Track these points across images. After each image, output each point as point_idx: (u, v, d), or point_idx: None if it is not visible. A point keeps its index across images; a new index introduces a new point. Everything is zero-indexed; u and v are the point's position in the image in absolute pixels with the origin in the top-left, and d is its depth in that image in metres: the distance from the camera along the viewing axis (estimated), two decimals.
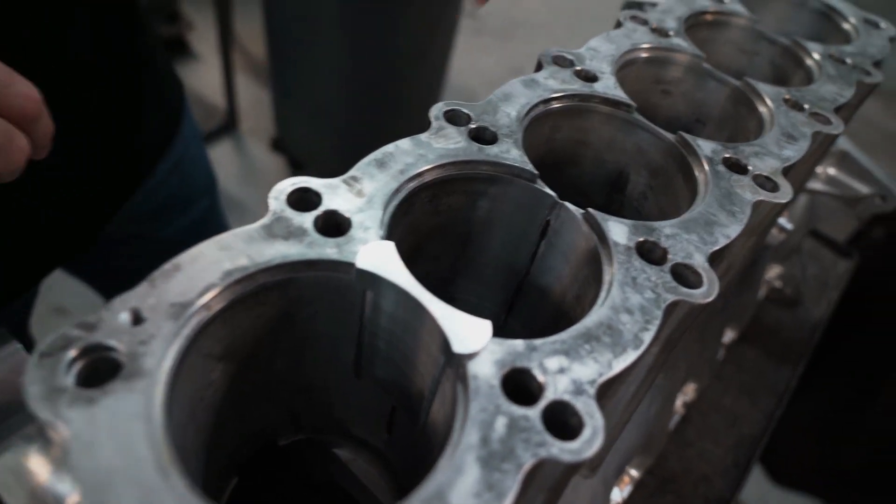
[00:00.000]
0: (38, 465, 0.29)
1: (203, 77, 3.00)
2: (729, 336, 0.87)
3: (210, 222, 0.95)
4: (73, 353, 0.28)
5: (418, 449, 0.44)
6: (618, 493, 0.69)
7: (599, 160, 0.55)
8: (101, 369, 0.28)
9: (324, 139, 2.37)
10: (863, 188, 0.80)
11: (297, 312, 0.37)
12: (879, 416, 1.55)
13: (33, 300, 0.78)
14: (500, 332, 0.33)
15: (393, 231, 0.41)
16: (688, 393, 0.79)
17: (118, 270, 0.85)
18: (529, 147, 0.48)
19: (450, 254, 0.49)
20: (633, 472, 0.71)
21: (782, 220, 0.75)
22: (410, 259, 0.47)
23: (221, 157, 2.68)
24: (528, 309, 0.51)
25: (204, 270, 0.33)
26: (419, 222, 0.44)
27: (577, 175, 0.56)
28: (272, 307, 0.36)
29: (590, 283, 0.41)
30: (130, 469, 0.26)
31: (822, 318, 0.96)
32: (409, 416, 0.41)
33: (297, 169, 2.59)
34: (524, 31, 3.85)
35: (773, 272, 0.95)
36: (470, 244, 0.49)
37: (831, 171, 0.82)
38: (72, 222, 0.71)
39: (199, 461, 0.38)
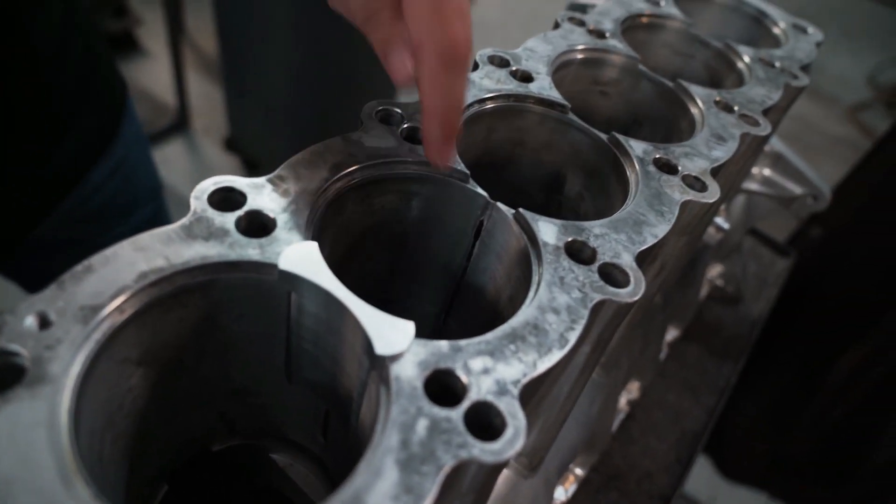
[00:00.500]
0: None
1: (152, 74, 2.92)
2: (672, 334, 0.88)
3: (155, 227, 0.91)
4: None
5: (352, 453, 0.44)
6: (562, 492, 0.70)
7: (537, 161, 0.55)
8: (2, 375, 0.27)
9: (279, 138, 2.33)
10: (796, 189, 0.83)
11: (221, 315, 0.36)
12: (820, 410, 1.60)
13: None
14: (438, 333, 0.33)
15: (324, 232, 0.41)
16: (632, 391, 0.80)
17: (55, 276, 0.82)
18: (466, 147, 0.48)
19: (386, 254, 0.49)
20: (578, 471, 0.72)
21: (719, 220, 0.77)
22: (346, 260, 0.47)
23: (172, 156, 2.61)
24: (466, 309, 0.51)
25: (117, 272, 0.31)
26: (352, 223, 0.44)
27: (516, 176, 0.57)
28: (193, 310, 0.35)
29: (521, 284, 0.41)
30: (31, 478, 0.25)
31: (762, 315, 0.99)
32: (340, 419, 0.41)
33: (251, 169, 2.55)
34: (480, 32, 3.85)
35: (715, 271, 0.97)
36: (406, 245, 0.48)
37: (766, 172, 0.84)
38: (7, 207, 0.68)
39: (119, 470, 0.37)
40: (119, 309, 0.31)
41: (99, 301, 0.30)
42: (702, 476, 1.98)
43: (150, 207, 0.90)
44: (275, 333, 0.38)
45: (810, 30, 0.72)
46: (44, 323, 0.29)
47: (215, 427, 0.46)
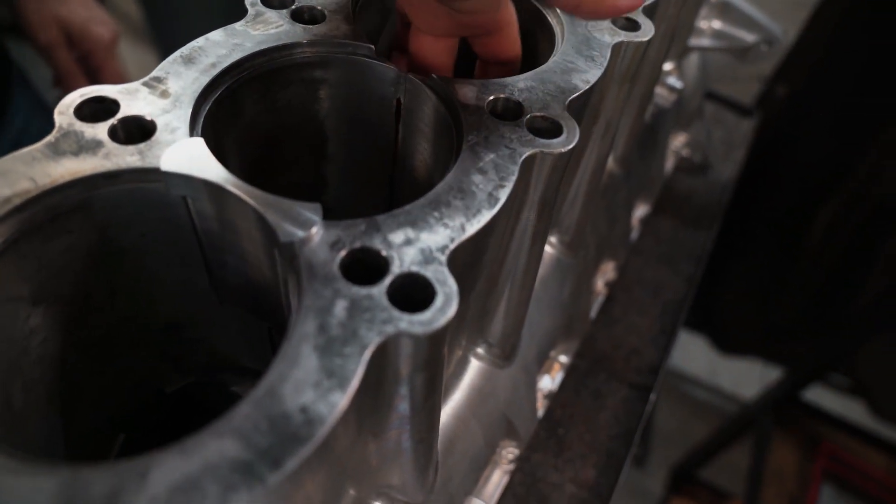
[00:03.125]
0: None
1: None
2: (642, 210, 0.86)
3: None
4: None
5: None
6: (549, 381, 0.69)
7: None
8: None
9: None
10: (748, 36, 0.79)
11: (117, 239, 0.33)
12: (805, 269, 1.61)
13: None
14: None
15: (224, 138, 0.37)
16: (607, 272, 0.78)
17: None
18: (373, 28, 0.44)
19: (308, 157, 0.45)
20: (563, 358, 0.70)
21: (672, 80, 0.73)
22: (263, 170, 0.43)
23: None
24: (408, 201, 0.48)
25: None
26: (257, 124, 0.40)
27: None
28: (81, 236, 0.31)
29: (450, 155, 0.38)
30: None
31: (732, 178, 0.97)
32: (279, 332, 0.38)
33: None
34: None
35: (679, 140, 0.94)
36: (326, 142, 0.45)
37: (716, 24, 0.80)
38: None
39: (46, 419, 0.34)
40: None
41: None
42: (700, 353, 2.02)
43: None
44: (187, 250, 0.35)
45: None
46: None
47: (160, 367, 0.44)
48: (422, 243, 0.29)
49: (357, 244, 0.28)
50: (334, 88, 0.41)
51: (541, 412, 0.64)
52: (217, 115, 0.35)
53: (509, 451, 0.59)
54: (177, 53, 0.36)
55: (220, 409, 0.48)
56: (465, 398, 0.49)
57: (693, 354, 2.08)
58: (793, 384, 1.52)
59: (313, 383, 0.24)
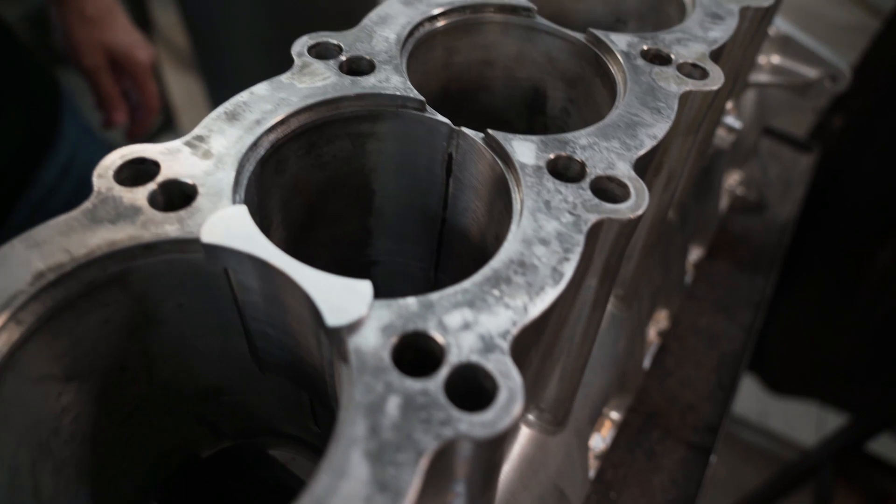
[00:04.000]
0: None
1: None
2: (696, 254, 0.82)
3: None
4: None
5: None
6: (599, 440, 0.64)
7: (511, 79, 0.48)
8: None
9: None
10: (811, 72, 0.75)
11: (156, 310, 0.31)
12: (863, 308, 1.53)
13: None
14: (432, 290, 0.27)
15: (267, 197, 0.35)
16: (660, 321, 0.74)
17: None
18: (426, 75, 0.42)
19: (354, 211, 0.43)
20: (614, 415, 0.66)
21: (730, 120, 0.69)
22: (309, 226, 0.41)
23: None
24: (455, 260, 0.45)
25: (8, 276, 0.26)
26: (302, 181, 0.38)
27: (491, 101, 0.50)
28: (118, 308, 0.29)
29: (505, 218, 0.35)
30: None
31: (791, 218, 0.92)
32: (321, 404, 0.35)
33: None
34: None
35: (734, 179, 0.90)
36: (374, 197, 0.42)
37: (775, 59, 0.76)
38: None
39: (77, 499, 0.32)
40: (15, 319, 0.25)
41: None
42: (749, 394, 1.93)
43: None
44: (228, 319, 0.33)
45: None
46: None
47: (197, 432, 0.42)
48: (481, 327, 0.26)
49: (410, 327, 0.26)
50: (382, 142, 0.38)
51: (592, 473, 0.60)
52: (261, 175, 0.33)
53: None
54: (220, 109, 0.34)
55: (258, 474, 0.46)
56: (515, 469, 0.45)
57: (741, 394, 1.98)
58: (858, 433, 1.42)
59: (364, 497, 0.21)
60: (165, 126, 2.63)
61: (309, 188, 0.39)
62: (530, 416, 0.46)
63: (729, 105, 0.72)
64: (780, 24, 0.76)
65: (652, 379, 0.71)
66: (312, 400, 0.38)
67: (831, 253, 1.50)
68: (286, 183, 0.37)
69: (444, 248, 0.45)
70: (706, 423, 0.68)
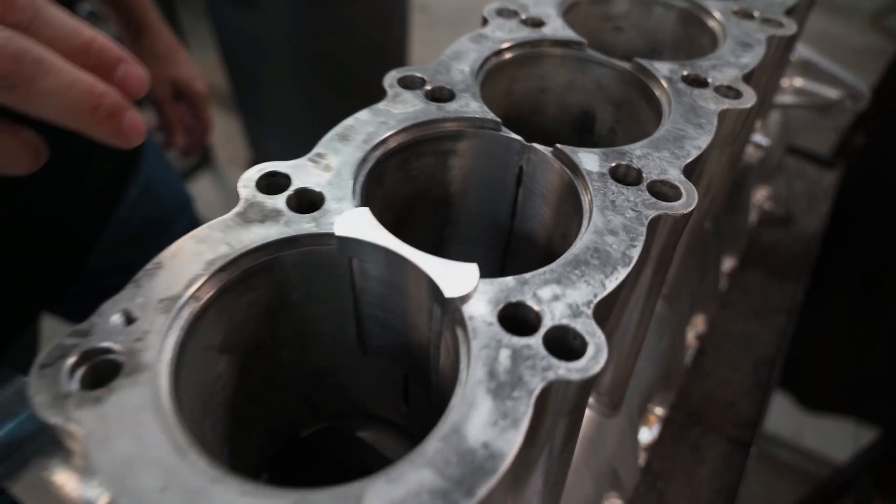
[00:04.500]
0: (63, 477, 0.30)
1: None
2: (729, 264, 0.87)
3: None
4: (72, 359, 0.28)
5: (436, 413, 0.45)
6: (647, 433, 0.69)
7: (562, 104, 0.55)
8: (102, 370, 0.28)
9: (300, 152, 2.37)
10: (832, 93, 0.81)
11: (289, 295, 0.37)
12: (891, 320, 1.55)
13: (36, 346, 0.79)
14: None
15: (370, 204, 0.41)
16: (698, 325, 0.79)
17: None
18: (490, 102, 0.48)
19: (433, 221, 0.49)
20: (659, 411, 0.71)
21: (758, 138, 0.75)
22: (394, 232, 0.47)
23: (202, 191, 2.68)
24: (521, 262, 0.51)
25: (186, 264, 0.33)
26: (395, 193, 0.44)
27: (544, 124, 0.57)
28: (263, 292, 0.36)
29: (572, 218, 0.41)
30: (148, 455, 0.26)
31: (817, 230, 0.96)
32: (420, 380, 0.41)
33: None
34: (475, 16, 3.84)
35: (761, 194, 0.95)
36: (451, 207, 0.49)
37: (797, 82, 0.82)
38: (51, 259, 0.72)
39: (222, 458, 0.38)
40: (195, 297, 0.32)
41: (175, 292, 0.31)
42: (783, 412, 1.94)
43: (184, 221, 0.96)
44: (343, 307, 0.39)
45: None
46: (129, 319, 0.30)
47: (302, 412, 0.48)
48: (568, 298, 0.32)
49: (512, 299, 0.32)
50: (462, 158, 0.45)
51: (641, 462, 0.65)
52: (367, 185, 0.40)
53: (614, 503, 0.60)
54: (333, 132, 0.41)
55: (345, 454, 0.52)
56: (578, 446, 0.50)
57: (775, 412, 1.99)
58: (893, 443, 1.44)
59: (491, 423, 0.27)
60: (203, 163, 2.76)
61: (399, 199, 0.45)
62: (590, 400, 0.51)
63: (757, 124, 0.78)
64: (802, 50, 0.82)
65: (691, 380, 0.76)
66: (408, 377, 0.44)
67: (857, 268, 1.53)
68: (384, 194, 0.43)
69: (510, 252, 0.51)
70: (745, 419, 0.73)
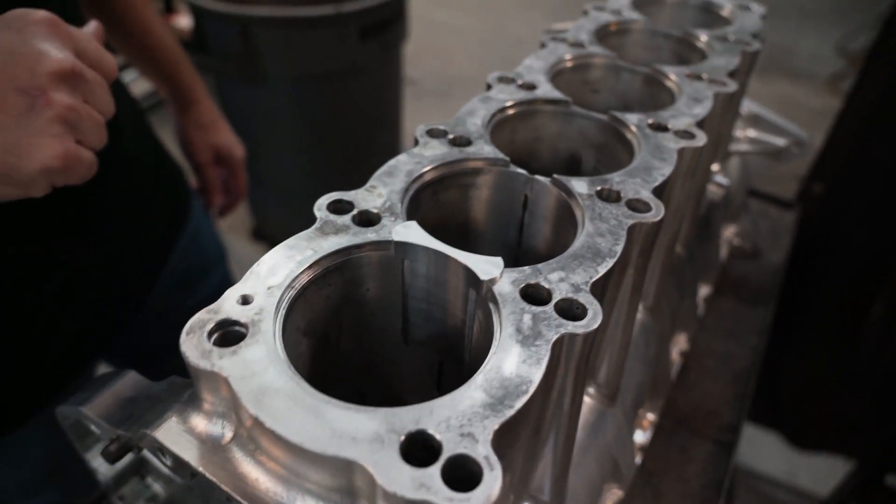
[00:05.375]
0: (196, 421, 0.39)
1: None
2: (705, 291, 0.98)
3: (227, 288, 1.06)
4: (209, 327, 0.38)
5: None
6: (641, 435, 0.78)
7: (554, 149, 0.67)
8: (231, 336, 0.39)
9: (302, 218, 2.49)
10: (779, 141, 0.94)
11: (353, 292, 0.48)
12: (867, 363, 1.64)
13: None
14: None
15: None
16: (681, 343, 0.89)
17: (154, 349, 0.94)
18: (498, 149, 0.61)
19: (456, 242, 0.60)
20: (651, 416, 0.80)
21: (719, 178, 0.88)
22: None
23: None
24: None
25: (283, 263, 0.43)
26: (426, 219, 0.56)
27: (539, 168, 0.69)
28: (335, 288, 0.47)
29: (569, 231, 0.53)
30: (275, 386, 0.36)
31: (782, 262, 1.09)
32: (454, 361, 0.51)
33: None
34: (460, 86, 4.10)
35: (730, 231, 1.07)
36: (469, 232, 0.60)
37: (750, 133, 0.96)
38: (113, 302, 0.81)
39: None
40: (291, 286, 0.42)
41: (278, 282, 0.42)
42: (775, 452, 2.01)
43: (220, 270, 1.05)
44: (393, 301, 0.50)
45: (753, 6, 0.85)
46: (246, 301, 0.41)
47: (353, 402, 0.57)
48: (571, 280, 0.43)
49: (529, 281, 0.43)
50: (480, 190, 0.57)
51: (638, 460, 0.74)
52: (409, 210, 0.51)
53: (614, 493, 0.69)
54: (381, 170, 0.52)
55: None
56: (583, 429, 0.60)
57: (768, 453, 2.06)
58: (872, 471, 1.51)
59: (521, 361, 0.37)
60: None
61: (429, 223, 0.56)
62: (591, 390, 0.61)
63: (717, 167, 0.91)
64: (752, 105, 0.97)
65: (678, 391, 0.86)
66: (443, 362, 0.54)
67: (829, 308, 1.64)
68: (419, 219, 0.54)
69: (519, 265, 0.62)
70: (727, 424, 0.82)
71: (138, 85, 2.59)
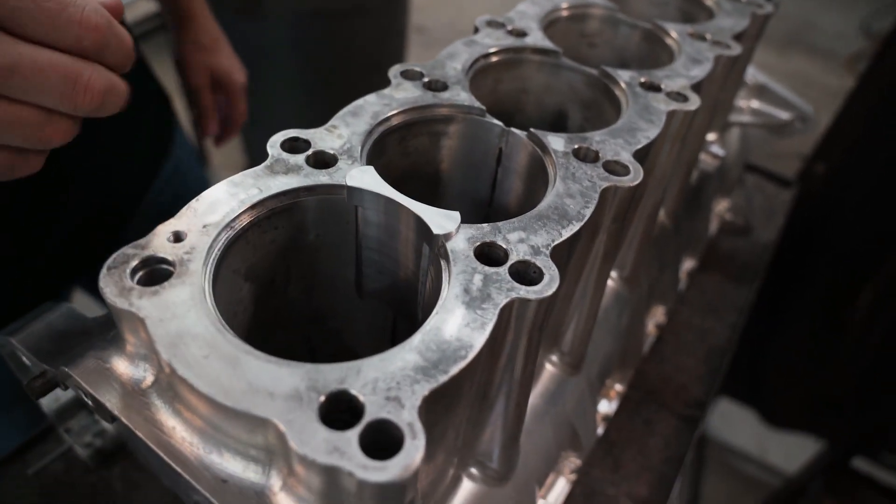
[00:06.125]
0: (117, 362, 0.37)
1: None
2: (689, 264, 0.95)
3: None
4: (134, 263, 0.35)
5: None
6: (606, 405, 0.77)
7: (540, 104, 0.63)
8: (157, 274, 0.36)
9: None
10: (783, 114, 0.90)
11: (303, 237, 0.45)
12: (851, 347, 1.64)
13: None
14: None
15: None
16: (658, 316, 0.87)
17: None
18: (478, 98, 0.57)
19: (424, 194, 0.57)
20: (618, 387, 0.79)
21: (715, 148, 0.84)
22: None
23: None
24: None
25: (224, 201, 0.40)
26: (392, 165, 0.52)
27: (523, 122, 0.65)
28: (283, 232, 0.44)
29: (541, 189, 0.49)
30: (194, 332, 0.33)
31: (773, 240, 1.06)
32: (407, 318, 0.49)
33: None
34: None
35: (722, 206, 1.04)
36: (440, 184, 0.57)
37: (754, 104, 0.91)
38: (94, 226, 0.78)
39: None
40: (230, 226, 0.39)
41: (216, 220, 0.39)
42: (748, 427, 2.02)
43: None
44: (346, 251, 0.47)
45: None
46: (178, 238, 0.38)
47: (302, 352, 0.55)
48: (531, 241, 0.40)
49: (486, 239, 0.40)
50: (452, 140, 0.53)
51: (600, 431, 0.73)
52: (371, 153, 0.48)
53: (572, 461, 0.68)
54: (346, 109, 0.49)
55: None
56: (541, 396, 0.58)
57: (741, 428, 2.08)
58: (840, 453, 1.52)
59: (464, 324, 0.35)
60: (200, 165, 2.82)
61: (396, 171, 0.53)
62: (553, 357, 0.59)
63: (714, 136, 0.87)
64: (758, 75, 0.92)
65: (650, 363, 0.84)
66: (396, 318, 0.52)
67: (818, 290, 1.62)
68: (383, 165, 0.51)
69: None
70: (695, 400, 0.81)
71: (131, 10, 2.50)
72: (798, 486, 1.55)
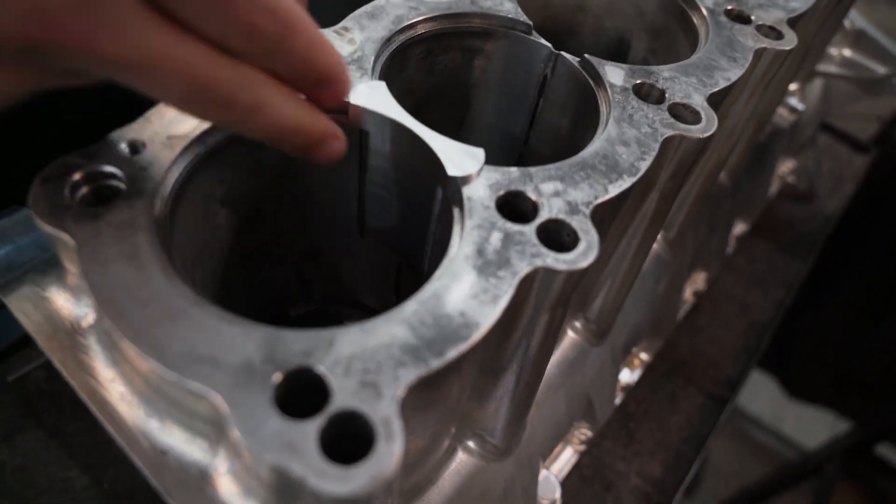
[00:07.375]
0: (54, 293, 0.31)
1: None
2: (740, 228, 0.86)
3: None
4: (75, 177, 0.29)
5: None
6: (628, 374, 0.70)
7: (599, 28, 0.53)
8: (103, 191, 0.29)
9: None
10: (879, 68, 0.78)
11: (295, 162, 0.38)
12: (892, 332, 1.54)
13: None
14: None
15: (389, 87, 0.41)
16: (698, 282, 0.79)
17: None
18: (527, 10, 0.47)
19: (449, 122, 0.49)
20: (644, 356, 0.72)
21: (793, 101, 0.73)
22: None
23: None
24: None
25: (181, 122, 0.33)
26: (416, 82, 0.44)
27: (576, 47, 0.55)
28: (271, 154, 0.36)
29: (588, 130, 0.41)
30: (136, 273, 0.27)
31: (836, 212, 0.95)
32: (412, 268, 0.42)
33: None
34: None
35: (787, 167, 0.93)
36: (469, 110, 0.48)
37: (847, 52, 0.79)
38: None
39: None
40: (201, 140, 0.32)
41: (184, 132, 0.32)
42: (766, 395, 1.96)
43: None
44: (347, 180, 0.39)
45: None
46: (135, 149, 0.31)
47: (293, 289, 0.49)
48: (569, 196, 0.32)
49: (513, 188, 0.32)
50: (488, 60, 0.44)
51: (617, 401, 0.66)
52: (388, 67, 0.39)
53: (583, 433, 0.62)
54: (362, 9, 0.40)
55: None
56: (557, 366, 0.51)
57: (759, 395, 2.01)
58: (865, 437, 1.45)
59: (472, 295, 0.28)
60: None
61: (418, 91, 0.45)
62: (577, 324, 0.52)
63: (795, 87, 0.75)
64: (857, 19, 0.79)
65: (682, 333, 0.76)
66: (401, 266, 0.45)
67: (869, 266, 1.51)
68: (403, 80, 0.43)
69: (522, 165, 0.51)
70: (726, 379, 0.74)
71: None
72: (815, 464, 1.50)
